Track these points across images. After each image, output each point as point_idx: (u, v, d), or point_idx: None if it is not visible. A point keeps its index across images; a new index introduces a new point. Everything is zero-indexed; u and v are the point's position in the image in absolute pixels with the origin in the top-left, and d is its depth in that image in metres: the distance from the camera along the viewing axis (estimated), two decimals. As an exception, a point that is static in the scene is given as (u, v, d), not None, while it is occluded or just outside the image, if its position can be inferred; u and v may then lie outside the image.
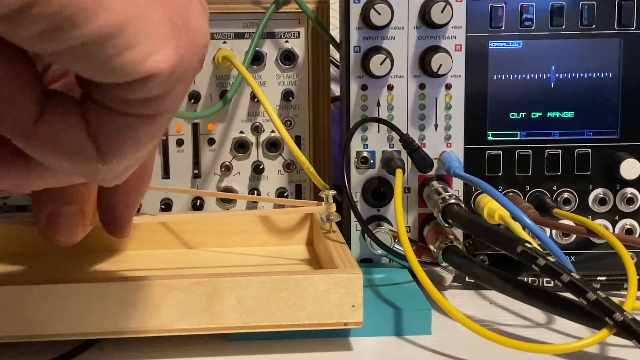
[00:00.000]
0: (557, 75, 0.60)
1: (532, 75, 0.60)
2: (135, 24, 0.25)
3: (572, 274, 0.45)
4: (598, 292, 0.45)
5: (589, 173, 0.61)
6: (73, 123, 0.29)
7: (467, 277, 0.58)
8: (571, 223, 0.58)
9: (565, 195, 0.61)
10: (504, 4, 0.59)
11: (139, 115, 0.29)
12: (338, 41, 0.64)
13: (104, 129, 0.29)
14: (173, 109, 0.30)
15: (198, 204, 0.67)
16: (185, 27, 0.28)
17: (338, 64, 0.67)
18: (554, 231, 0.60)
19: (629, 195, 0.60)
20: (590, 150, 0.60)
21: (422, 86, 0.60)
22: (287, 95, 0.67)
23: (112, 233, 0.41)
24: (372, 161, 0.60)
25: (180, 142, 0.67)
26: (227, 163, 0.67)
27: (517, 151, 0.60)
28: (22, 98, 0.28)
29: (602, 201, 0.61)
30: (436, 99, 0.60)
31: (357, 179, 0.60)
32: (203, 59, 0.30)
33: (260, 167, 0.67)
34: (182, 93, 0.30)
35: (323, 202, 0.57)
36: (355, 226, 0.61)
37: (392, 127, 0.59)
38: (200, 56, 0.29)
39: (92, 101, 0.29)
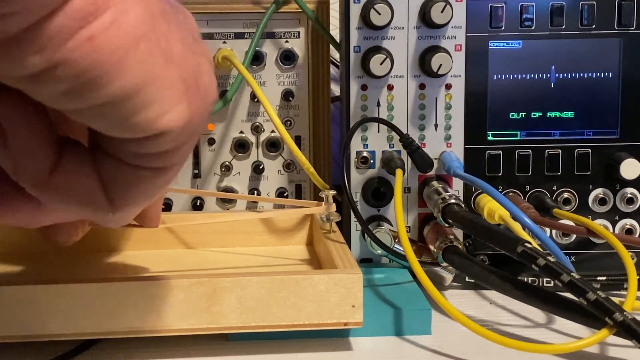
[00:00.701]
0: (557, 75, 0.60)
1: (532, 75, 0.60)
2: (152, 84, 0.27)
3: (572, 274, 0.45)
4: (598, 292, 0.45)
5: (589, 173, 0.61)
6: (86, 174, 0.30)
7: (467, 277, 0.58)
8: (571, 223, 0.58)
9: (565, 195, 0.61)
10: (504, 4, 0.59)
11: (150, 168, 0.30)
12: (338, 41, 0.64)
13: (116, 180, 0.30)
14: (183, 162, 0.31)
15: (198, 204, 0.67)
16: (196, 86, 0.29)
17: (338, 64, 0.67)
18: (554, 231, 0.60)
19: (629, 195, 0.60)
20: (590, 150, 0.60)
21: (422, 86, 0.60)
22: (287, 95, 0.67)
23: (143, 225, 0.43)
24: (372, 161, 0.60)
25: (180, 142, 0.67)
26: (227, 163, 0.67)
27: (517, 151, 0.60)
28: (38, 151, 0.29)
29: (602, 201, 0.61)
30: (436, 99, 0.60)
31: (357, 179, 0.60)
32: (210, 114, 0.31)
33: (260, 167, 0.67)
34: (192, 147, 0.31)
35: (323, 202, 0.57)
36: (355, 226, 0.61)
37: (392, 127, 0.59)
38: (209, 112, 0.30)
39: (106, 153, 0.30)
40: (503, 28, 0.59)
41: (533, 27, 0.59)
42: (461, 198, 0.59)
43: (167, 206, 0.67)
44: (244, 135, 0.67)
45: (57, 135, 0.30)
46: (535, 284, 0.58)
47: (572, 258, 0.61)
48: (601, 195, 0.61)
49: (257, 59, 0.66)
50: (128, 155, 0.29)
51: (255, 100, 0.67)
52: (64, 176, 0.30)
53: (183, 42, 0.28)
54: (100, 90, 0.25)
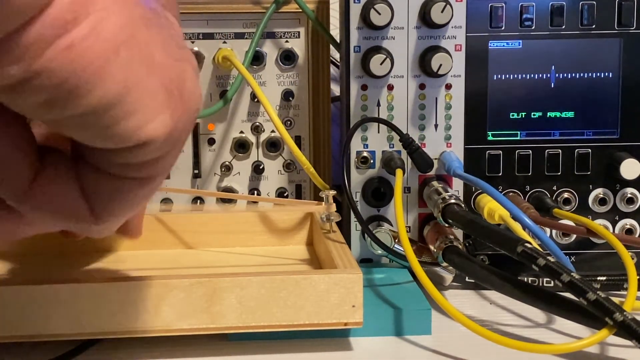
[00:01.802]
0: (557, 75, 0.60)
1: (532, 75, 0.60)
2: (134, 93, 0.26)
3: (572, 274, 0.45)
4: (598, 292, 0.45)
5: (589, 173, 0.61)
6: (68, 185, 0.29)
7: (467, 277, 0.58)
8: (571, 223, 0.58)
9: (565, 195, 0.61)
10: (504, 4, 0.59)
11: (133, 178, 0.29)
12: (338, 41, 0.64)
13: (99, 191, 0.29)
14: (166, 171, 0.30)
15: (198, 204, 0.67)
16: (180, 94, 0.28)
17: (338, 64, 0.67)
18: (554, 231, 0.60)
19: (629, 195, 0.60)
20: (590, 150, 0.60)
21: (422, 86, 0.60)
22: (287, 95, 0.67)
23: (126, 236, 0.42)
24: (372, 161, 0.60)
25: (180, 142, 0.67)
26: (227, 163, 0.67)
27: (517, 151, 0.60)
28: (18, 162, 0.28)
29: (602, 201, 0.61)
30: (436, 99, 0.60)
31: (357, 179, 0.60)
32: (195, 122, 0.30)
33: (260, 167, 0.67)
34: (176, 156, 0.30)
35: (323, 202, 0.57)
36: (355, 226, 0.61)
37: (392, 127, 0.59)
38: (193, 120, 0.30)
39: (88, 163, 0.29)
40: (503, 28, 0.59)
41: (533, 27, 0.59)
42: (461, 198, 0.59)
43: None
44: (244, 135, 0.67)
45: (37, 145, 0.29)
46: (535, 284, 0.58)
47: (572, 258, 0.61)
48: (601, 195, 0.61)
49: (257, 59, 0.66)
50: (110, 165, 0.28)
51: (255, 100, 0.67)
52: (45, 187, 0.29)
53: (165, 49, 0.28)
54: (80, 99, 0.25)
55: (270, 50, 0.67)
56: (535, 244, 0.50)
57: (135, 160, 0.28)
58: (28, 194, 0.29)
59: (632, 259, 0.52)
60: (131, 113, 0.26)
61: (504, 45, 0.60)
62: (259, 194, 0.68)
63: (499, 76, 0.60)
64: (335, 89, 0.74)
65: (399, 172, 0.57)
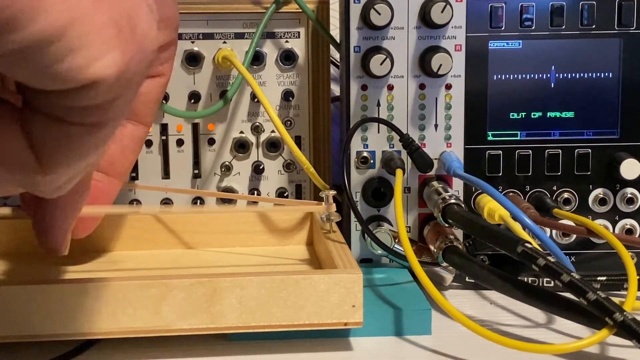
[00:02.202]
0: (557, 75, 0.60)
1: (532, 75, 0.60)
2: (78, 27, 0.24)
3: (572, 274, 0.45)
4: (598, 292, 0.45)
5: (589, 173, 0.61)
6: (12, 133, 0.27)
7: (467, 277, 0.58)
8: (571, 223, 0.58)
9: (565, 195, 0.61)
10: (504, 4, 0.59)
11: (82, 124, 0.27)
12: (338, 41, 0.64)
13: (45, 139, 0.27)
14: (119, 117, 0.28)
15: (198, 204, 0.67)
16: (132, 32, 0.26)
17: (338, 64, 0.67)
18: (554, 231, 0.60)
19: (629, 195, 0.60)
20: (590, 150, 0.60)
21: (422, 86, 0.60)
22: (287, 95, 0.67)
23: (47, 249, 0.39)
24: (372, 161, 0.60)
25: (180, 142, 0.67)
26: (227, 163, 0.67)
27: (517, 151, 0.60)
28: None
29: (602, 201, 0.61)
30: (436, 99, 0.60)
31: (357, 179, 0.60)
32: (150, 65, 0.28)
33: (260, 167, 0.67)
34: (129, 100, 0.28)
35: (323, 202, 0.57)
36: (355, 226, 0.61)
37: (392, 127, 0.59)
38: (147, 61, 0.28)
39: (32, 109, 0.27)
40: (503, 28, 0.59)
41: (533, 27, 0.59)
42: (461, 198, 0.59)
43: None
44: (244, 135, 0.67)
45: None
46: (535, 284, 0.58)
47: (572, 258, 0.61)
48: (601, 195, 0.61)
49: (257, 59, 0.66)
50: (57, 110, 0.26)
51: (255, 100, 0.67)
52: None
53: None
54: (17, 32, 0.23)
55: (270, 50, 0.67)
56: (535, 244, 0.50)
57: (83, 103, 0.26)
58: None
59: (632, 259, 0.52)
60: (75, 49, 0.24)
61: (504, 45, 0.60)
62: (259, 194, 0.68)
63: (499, 76, 0.60)
64: (335, 89, 0.74)
65: (399, 172, 0.57)
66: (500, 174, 0.60)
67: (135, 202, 0.66)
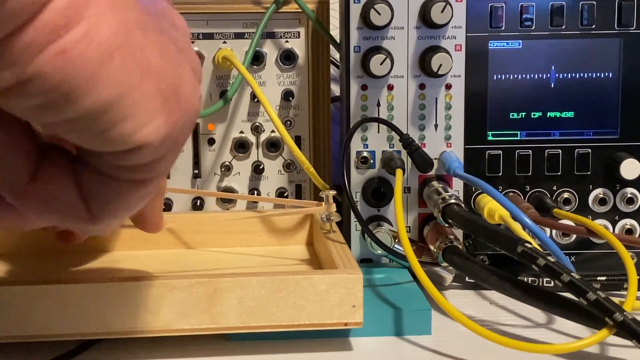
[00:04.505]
0: (557, 75, 0.60)
1: (532, 75, 0.60)
2: (128, 98, 0.26)
3: (572, 274, 0.45)
4: (598, 292, 0.45)
5: (589, 173, 0.61)
6: (66, 184, 0.29)
7: (467, 277, 0.58)
8: (571, 223, 0.58)
9: (565, 195, 0.61)
10: (504, 4, 0.59)
11: (130, 180, 0.29)
12: (338, 41, 0.64)
13: (96, 193, 0.30)
14: (164, 173, 0.31)
15: (198, 204, 0.67)
16: (176, 98, 0.28)
17: (338, 64, 0.67)
18: (554, 231, 0.60)
19: (629, 195, 0.60)
20: (590, 150, 0.60)
21: (422, 86, 0.60)
22: (287, 95, 0.67)
23: (145, 229, 0.43)
24: (372, 161, 0.60)
25: (180, 142, 0.67)
26: (227, 163, 0.67)
27: (517, 151, 0.60)
28: (16, 160, 0.28)
29: (602, 201, 0.61)
30: (436, 99, 0.60)
31: (357, 179, 0.60)
32: (194, 125, 0.31)
33: (260, 167, 0.67)
34: (174, 158, 0.30)
35: (323, 202, 0.57)
36: (355, 226, 0.61)
37: (392, 127, 0.59)
38: (191, 123, 0.30)
39: (85, 163, 0.29)
40: (503, 28, 0.59)
41: (533, 27, 0.59)
42: (461, 198, 0.59)
43: (167, 206, 0.67)
44: (244, 135, 0.67)
45: (36, 144, 0.29)
46: (535, 284, 0.58)
47: (572, 258, 0.61)
48: (601, 195, 0.61)
49: (257, 59, 0.66)
50: (107, 167, 0.29)
51: (255, 100, 0.67)
52: (43, 186, 0.29)
53: (162, 53, 0.28)
54: (74, 104, 0.25)
55: (270, 50, 0.67)
56: (535, 244, 0.50)
57: (131, 163, 0.28)
58: (26, 192, 0.29)
59: (632, 259, 0.52)
60: (125, 117, 0.26)
61: (504, 45, 0.60)
62: (259, 194, 0.68)
63: (499, 76, 0.60)
64: (335, 89, 0.74)
65: (399, 172, 0.57)
66: (500, 174, 0.60)
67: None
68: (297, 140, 0.67)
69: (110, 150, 0.27)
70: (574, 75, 0.60)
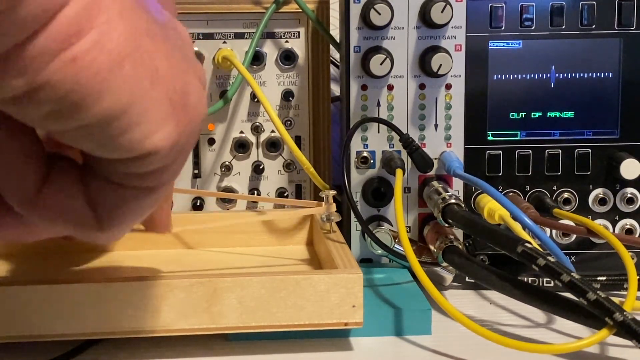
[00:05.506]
0: (557, 75, 0.60)
1: (532, 75, 0.60)
2: (138, 105, 0.26)
3: (572, 274, 0.45)
4: (598, 292, 0.45)
5: (589, 173, 0.61)
6: (74, 193, 0.30)
7: (467, 277, 0.58)
8: (571, 223, 0.58)
9: (565, 195, 0.61)
10: (504, 4, 0.59)
11: (138, 188, 0.29)
12: (338, 41, 0.64)
13: (104, 201, 0.30)
14: (171, 180, 0.31)
15: (198, 204, 0.67)
16: (184, 105, 0.28)
17: (338, 64, 0.67)
18: (554, 231, 0.60)
19: (629, 195, 0.60)
20: (590, 150, 0.60)
21: (422, 86, 0.60)
22: (287, 95, 0.67)
23: (155, 231, 0.43)
24: (372, 161, 0.60)
25: (180, 142, 0.67)
26: (227, 163, 0.67)
27: (517, 151, 0.60)
28: (25, 170, 0.29)
29: (602, 201, 0.61)
30: (436, 99, 0.60)
31: (357, 179, 0.60)
32: (200, 132, 0.31)
33: (260, 167, 0.67)
34: (181, 165, 0.31)
35: (323, 202, 0.57)
36: (355, 226, 0.61)
37: (392, 127, 0.59)
38: (198, 130, 0.30)
39: (93, 172, 0.29)
40: (503, 28, 0.59)
41: (533, 27, 0.59)
42: (461, 198, 0.59)
43: (167, 206, 0.67)
44: (244, 135, 0.67)
45: (44, 153, 0.29)
46: (535, 284, 0.58)
47: (572, 258, 0.61)
48: (601, 195, 0.61)
49: (257, 59, 0.66)
50: (116, 174, 0.29)
51: (255, 100, 0.67)
52: (51, 195, 0.29)
53: (170, 61, 0.28)
54: (85, 112, 0.25)
55: (270, 50, 0.67)
56: (535, 244, 0.50)
57: (140, 170, 0.28)
58: (34, 202, 0.29)
59: (632, 259, 0.52)
60: (135, 124, 0.26)
61: (504, 45, 0.60)
62: (259, 194, 0.68)
63: (499, 76, 0.60)
64: (335, 89, 0.74)
65: (399, 172, 0.57)
66: (500, 174, 0.60)
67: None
68: (297, 140, 0.67)
69: (119, 158, 0.28)
70: (574, 75, 0.60)
